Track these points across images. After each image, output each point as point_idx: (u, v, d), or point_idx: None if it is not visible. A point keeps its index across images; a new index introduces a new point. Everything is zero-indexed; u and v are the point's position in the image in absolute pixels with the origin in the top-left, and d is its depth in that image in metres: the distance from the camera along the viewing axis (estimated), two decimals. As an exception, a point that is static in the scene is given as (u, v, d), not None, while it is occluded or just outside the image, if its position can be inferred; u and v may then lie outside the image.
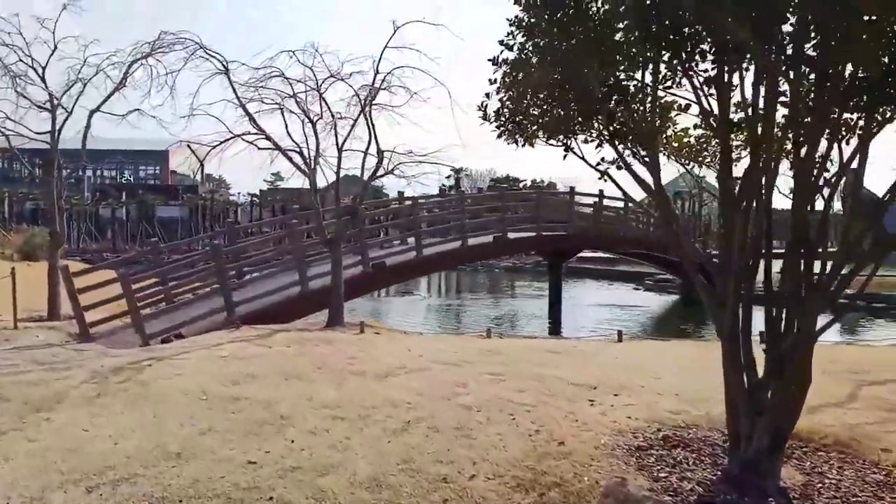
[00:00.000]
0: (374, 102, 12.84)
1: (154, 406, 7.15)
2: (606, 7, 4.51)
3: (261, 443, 6.19)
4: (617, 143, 5.20)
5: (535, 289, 34.13)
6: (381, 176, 13.49)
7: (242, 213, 59.10)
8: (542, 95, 5.71)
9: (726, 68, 4.98)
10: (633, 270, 36.54)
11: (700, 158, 6.62)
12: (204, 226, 53.60)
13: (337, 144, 12.87)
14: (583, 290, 32.27)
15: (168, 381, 8.08)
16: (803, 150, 4.89)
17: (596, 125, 5.23)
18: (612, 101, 4.75)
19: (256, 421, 6.68)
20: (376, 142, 13.14)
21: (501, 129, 6.04)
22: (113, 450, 6.00)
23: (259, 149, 13.46)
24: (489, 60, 5.87)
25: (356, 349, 10.15)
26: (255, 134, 13.03)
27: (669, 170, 6.03)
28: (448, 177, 45.51)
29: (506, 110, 5.98)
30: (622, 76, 4.75)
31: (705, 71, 5.04)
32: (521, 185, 52.77)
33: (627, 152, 5.53)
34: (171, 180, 67.06)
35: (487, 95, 5.91)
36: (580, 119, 5.18)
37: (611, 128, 4.90)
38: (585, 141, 5.40)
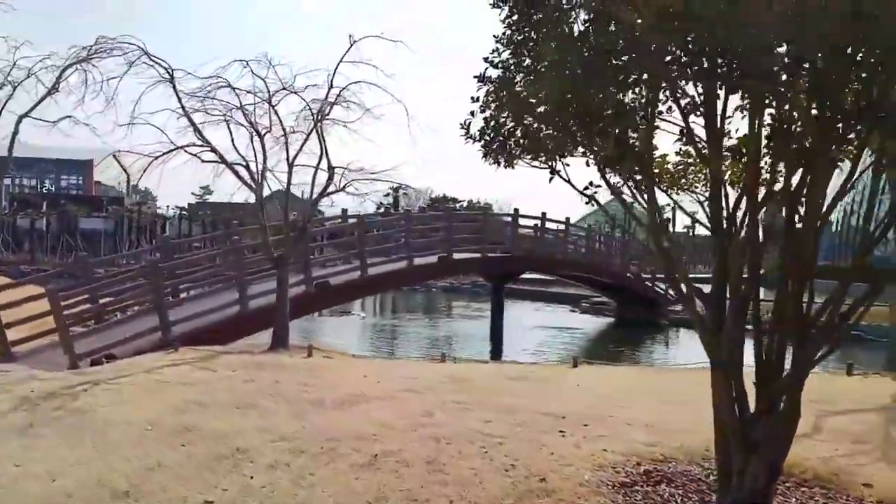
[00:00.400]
0: (327, 117, 12.44)
1: (95, 437, 6.55)
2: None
3: (217, 479, 5.71)
4: (615, 167, 5.00)
5: (474, 310, 33.95)
6: (333, 193, 13.08)
7: (170, 226, 57.16)
8: (531, 116, 5.47)
9: (720, 94, 4.86)
10: (568, 292, 36.79)
11: (678, 185, 6.49)
12: (130, 239, 51.58)
13: (287, 159, 12.42)
14: (521, 311, 32.23)
15: (109, 409, 7.46)
16: (805, 178, 4.79)
17: (594, 148, 5.00)
18: (618, 124, 4.54)
19: (210, 455, 6.18)
20: (327, 157, 12.75)
21: (486, 149, 5.77)
22: (50, 488, 5.43)
23: (203, 161, 12.87)
24: (475, 77, 5.61)
25: (308, 375, 9.67)
26: (200, 146, 12.45)
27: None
28: (386, 195, 45.02)
29: (490, 130, 5.72)
30: (628, 98, 4.55)
31: (692, 98, 4.90)
32: (458, 205, 52.76)
33: (617, 178, 5.34)
34: (96, 191, 64.46)
35: (472, 114, 5.64)
36: (580, 141, 4.94)
37: (615, 151, 4.68)
38: (587, 164, 5.17)
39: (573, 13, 4.88)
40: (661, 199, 5.67)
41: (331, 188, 12.81)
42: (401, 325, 30.98)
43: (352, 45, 12.10)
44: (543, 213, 24.76)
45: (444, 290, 43.11)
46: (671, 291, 32.23)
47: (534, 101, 5.21)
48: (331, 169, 12.77)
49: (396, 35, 12.16)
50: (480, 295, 37.85)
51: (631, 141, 4.81)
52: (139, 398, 7.97)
